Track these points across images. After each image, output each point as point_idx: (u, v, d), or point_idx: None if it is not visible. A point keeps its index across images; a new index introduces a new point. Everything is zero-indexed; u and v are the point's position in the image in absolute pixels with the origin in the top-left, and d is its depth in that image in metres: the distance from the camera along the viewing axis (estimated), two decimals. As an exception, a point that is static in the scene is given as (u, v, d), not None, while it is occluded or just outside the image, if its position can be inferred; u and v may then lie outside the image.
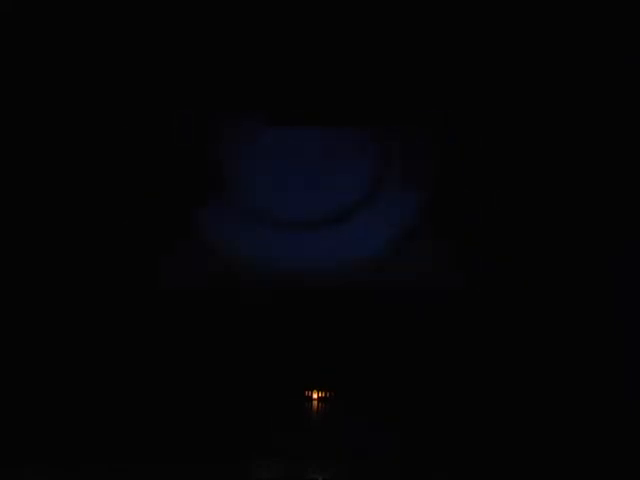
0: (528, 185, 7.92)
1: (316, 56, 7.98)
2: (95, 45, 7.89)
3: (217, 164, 8.16)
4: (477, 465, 6.75)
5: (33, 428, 7.14)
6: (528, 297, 7.84)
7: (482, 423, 7.40)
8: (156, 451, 6.93)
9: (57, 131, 7.94)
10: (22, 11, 7.76)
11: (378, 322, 7.99)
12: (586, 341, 7.64)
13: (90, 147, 7.98)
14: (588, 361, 7.60)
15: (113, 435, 7.16)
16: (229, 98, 8.11)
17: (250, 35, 7.94)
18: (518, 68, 7.89)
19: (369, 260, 8.04)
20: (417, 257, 8.09)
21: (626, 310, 7.57)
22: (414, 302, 7.99)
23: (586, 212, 7.80)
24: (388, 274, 8.06)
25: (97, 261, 7.92)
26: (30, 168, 7.88)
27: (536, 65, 7.87)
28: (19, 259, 7.77)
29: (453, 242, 8.05)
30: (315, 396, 7.90)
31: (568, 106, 7.86)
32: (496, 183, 7.98)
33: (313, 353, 7.94)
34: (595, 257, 7.72)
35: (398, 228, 8.12)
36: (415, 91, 8.04)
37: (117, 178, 7.99)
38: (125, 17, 7.85)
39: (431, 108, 8.09)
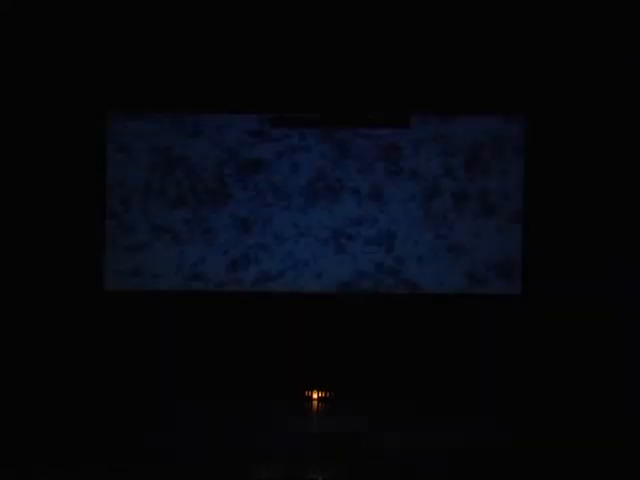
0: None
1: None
2: (95, 44, 7.90)
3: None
4: (479, 466, 6.74)
5: (33, 428, 7.14)
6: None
7: (482, 421, 7.41)
8: (156, 451, 6.92)
9: (57, 131, 7.95)
10: (22, 11, 7.79)
11: (377, 323, 8.00)
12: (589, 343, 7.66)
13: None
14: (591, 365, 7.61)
15: (113, 435, 7.16)
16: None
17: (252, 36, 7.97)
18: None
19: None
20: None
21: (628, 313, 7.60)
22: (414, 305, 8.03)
23: (587, 214, 7.82)
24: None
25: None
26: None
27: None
28: None
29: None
30: (315, 396, 7.90)
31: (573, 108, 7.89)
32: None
33: (313, 354, 7.95)
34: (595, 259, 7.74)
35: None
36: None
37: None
38: (124, 17, 7.87)
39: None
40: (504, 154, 8.06)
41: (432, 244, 8.09)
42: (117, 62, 7.91)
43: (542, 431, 7.23)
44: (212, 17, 7.88)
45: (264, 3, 7.87)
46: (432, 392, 7.78)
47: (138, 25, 7.85)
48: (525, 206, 7.99)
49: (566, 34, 7.76)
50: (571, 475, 6.60)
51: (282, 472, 6.50)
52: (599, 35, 7.73)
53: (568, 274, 7.79)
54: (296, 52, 7.94)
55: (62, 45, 7.83)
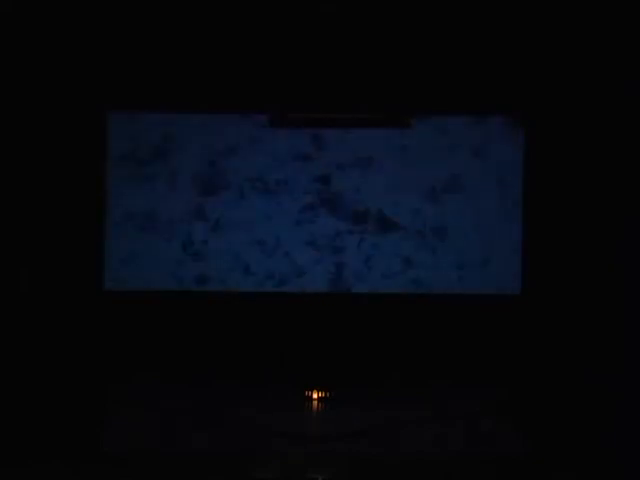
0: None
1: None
2: (97, 45, 7.91)
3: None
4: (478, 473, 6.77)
5: (33, 428, 7.16)
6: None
7: (482, 424, 7.43)
8: (155, 450, 6.95)
9: (58, 131, 7.98)
10: (22, 11, 7.80)
11: (377, 323, 8.01)
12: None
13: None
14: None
15: (113, 435, 7.18)
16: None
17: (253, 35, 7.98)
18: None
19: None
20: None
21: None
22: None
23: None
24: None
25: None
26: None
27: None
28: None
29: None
30: (315, 396, 7.90)
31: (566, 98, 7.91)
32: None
33: (313, 353, 7.96)
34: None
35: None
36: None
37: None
38: (127, 16, 7.88)
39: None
40: (503, 154, 8.06)
41: (431, 244, 8.10)
42: (114, 61, 7.91)
43: (542, 432, 7.25)
44: (211, 17, 7.90)
45: (263, 2, 7.89)
46: (430, 393, 7.78)
47: (132, 22, 7.86)
48: (525, 206, 8.00)
49: (566, 34, 7.76)
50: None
51: (281, 472, 6.53)
52: (599, 35, 7.73)
53: (568, 274, 7.80)
54: (296, 52, 7.94)
55: (60, 45, 7.84)
